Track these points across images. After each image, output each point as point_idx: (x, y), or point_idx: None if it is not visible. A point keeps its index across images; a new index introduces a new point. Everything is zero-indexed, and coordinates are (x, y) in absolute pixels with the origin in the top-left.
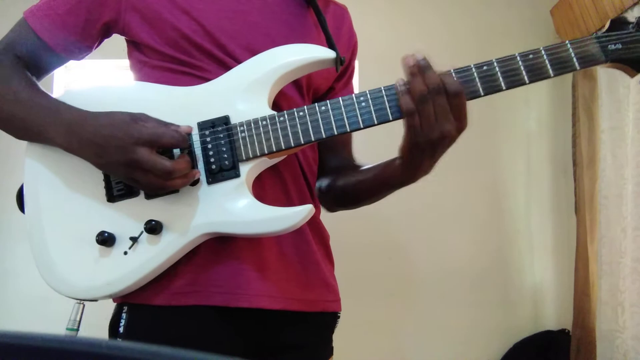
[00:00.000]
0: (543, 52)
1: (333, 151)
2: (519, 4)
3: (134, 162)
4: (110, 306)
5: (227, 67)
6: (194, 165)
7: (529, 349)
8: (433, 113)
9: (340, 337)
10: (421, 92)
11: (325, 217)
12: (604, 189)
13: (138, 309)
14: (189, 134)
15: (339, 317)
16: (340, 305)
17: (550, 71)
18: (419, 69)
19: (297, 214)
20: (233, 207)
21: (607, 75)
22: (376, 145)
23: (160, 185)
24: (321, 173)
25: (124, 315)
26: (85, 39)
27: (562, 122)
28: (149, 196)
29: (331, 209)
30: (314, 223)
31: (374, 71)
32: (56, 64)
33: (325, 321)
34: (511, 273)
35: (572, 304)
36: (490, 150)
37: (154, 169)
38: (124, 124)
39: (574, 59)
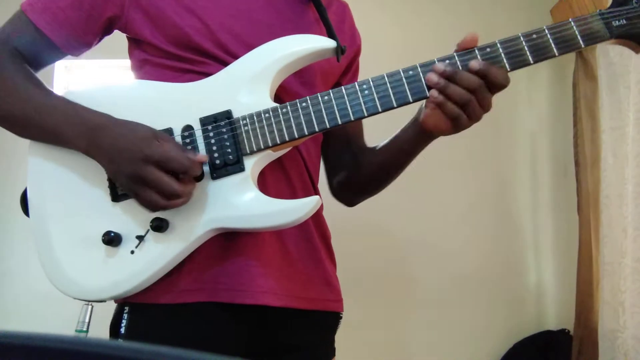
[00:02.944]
0: (547, 31)
1: (348, 142)
2: (519, 4)
3: (139, 178)
4: None
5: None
6: None
7: (529, 349)
8: (478, 107)
9: (340, 337)
10: (461, 96)
11: (325, 215)
12: (605, 189)
13: (140, 309)
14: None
15: (341, 317)
16: (342, 305)
17: (555, 50)
18: (448, 78)
19: (304, 206)
20: (239, 201)
21: (607, 76)
22: (379, 132)
23: (162, 204)
24: (338, 165)
25: (125, 315)
26: (86, 34)
27: (563, 123)
28: None
29: (353, 202)
30: (318, 220)
31: (376, 68)
32: (54, 58)
33: (327, 321)
34: (511, 273)
35: (573, 304)
36: (492, 150)
37: (160, 189)
38: (142, 139)
39: (579, 37)
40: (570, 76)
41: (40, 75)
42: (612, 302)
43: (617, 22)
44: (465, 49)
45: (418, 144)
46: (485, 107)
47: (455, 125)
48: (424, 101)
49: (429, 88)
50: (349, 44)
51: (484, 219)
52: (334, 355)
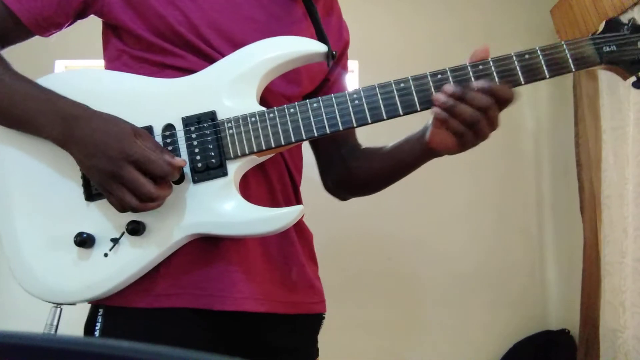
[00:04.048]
0: (539, 52)
1: (343, 140)
2: (519, 4)
3: (117, 176)
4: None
5: (212, 61)
6: None
7: (529, 349)
8: (487, 125)
9: (338, 338)
10: (471, 115)
11: (325, 216)
12: (606, 189)
13: (115, 312)
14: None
15: (323, 318)
16: (325, 306)
17: (546, 72)
18: (458, 98)
19: (286, 215)
20: (220, 207)
21: (608, 76)
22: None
23: (134, 205)
24: (331, 164)
25: (99, 318)
26: (58, 16)
27: (563, 123)
28: None
29: (346, 198)
30: (298, 223)
31: (375, 70)
32: (22, 38)
33: (310, 323)
34: (511, 273)
35: (572, 304)
36: (493, 150)
37: (136, 189)
38: (122, 136)
39: (570, 60)
40: (570, 76)
41: (39, 74)
42: (613, 302)
43: (607, 47)
44: (476, 61)
45: (421, 159)
46: (494, 125)
47: (462, 144)
48: (430, 118)
49: (432, 104)
50: (335, 39)
51: (485, 219)
52: (317, 355)
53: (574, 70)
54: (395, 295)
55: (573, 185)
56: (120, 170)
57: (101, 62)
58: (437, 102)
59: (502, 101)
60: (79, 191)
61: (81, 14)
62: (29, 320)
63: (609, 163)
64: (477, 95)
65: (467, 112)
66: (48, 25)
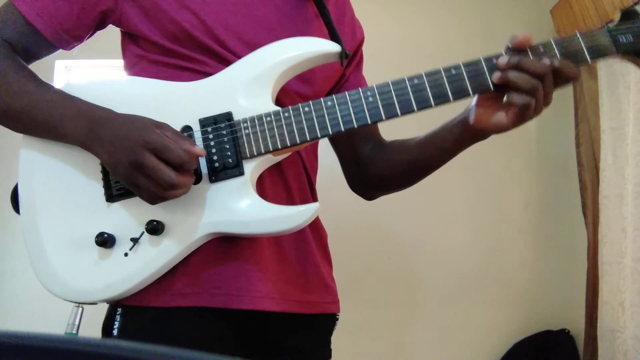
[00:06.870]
0: (554, 44)
1: (367, 137)
2: (519, 4)
3: (139, 166)
4: None
5: (227, 63)
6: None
7: (529, 349)
8: (542, 96)
9: (339, 338)
10: (530, 83)
11: (325, 216)
12: (604, 189)
13: (133, 311)
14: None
15: (337, 318)
16: (338, 306)
17: None
18: (515, 67)
19: (303, 213)
20: (237, 206)
21: (607, 76)
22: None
23: (160, 194)
24: (357, 163)
25: (117, 317)
26: (78, 28)
27: (563, 122)
28: None
29: (374, 196)
30: (314, 223)
31: (375, 70)
32: (46, 51)
33: (323, 323)
34: (511, 273)
35: (573, 304)
36: (491, 149)
37: (157, 177)
38: (143, 128)
39: (585, 51)
40: None
41: (40, 75)
42: (612, 302)
43: (623, 38)
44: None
45: (463, 143)
46: (548, 99)
47: (520, 117)
48: (472, 101)
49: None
50: (350, 37)
51: (484, 219)
52: (330, 356)
53: (589, 60)
54: (395, 295)
55: (573, 185)
56: (141, 158)
57: (101, 62)
58: (502, 66)
59: (565, 76)
60: (100, 192)
61: (100, 25)
62: (28, 320)
63: (607, 163)
64: (534, 62)
65: (524, 79)
66: (69, 38)
